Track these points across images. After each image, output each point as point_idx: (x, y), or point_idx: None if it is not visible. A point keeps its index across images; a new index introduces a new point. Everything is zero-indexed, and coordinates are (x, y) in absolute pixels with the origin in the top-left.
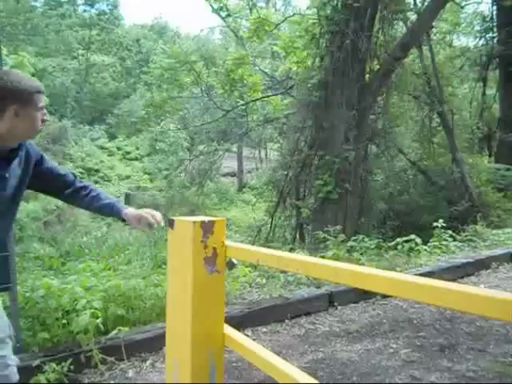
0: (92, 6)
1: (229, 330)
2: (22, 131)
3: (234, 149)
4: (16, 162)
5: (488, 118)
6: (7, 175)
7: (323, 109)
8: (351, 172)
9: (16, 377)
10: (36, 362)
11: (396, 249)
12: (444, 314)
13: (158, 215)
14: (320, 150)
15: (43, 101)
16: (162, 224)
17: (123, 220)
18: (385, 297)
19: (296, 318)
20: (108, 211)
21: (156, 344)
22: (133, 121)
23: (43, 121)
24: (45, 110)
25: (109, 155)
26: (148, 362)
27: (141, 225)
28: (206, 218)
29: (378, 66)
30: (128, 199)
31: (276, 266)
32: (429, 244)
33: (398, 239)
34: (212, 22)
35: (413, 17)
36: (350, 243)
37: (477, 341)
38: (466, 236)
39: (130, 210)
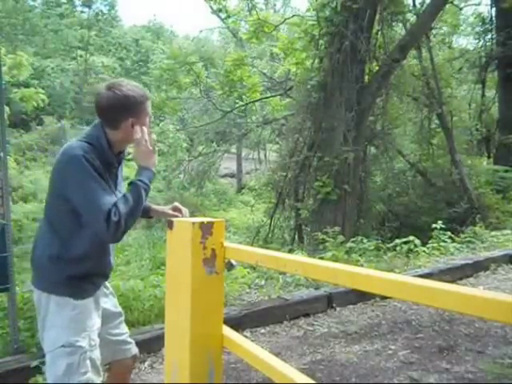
0: (89, 6)
1: (227, 331)
2: (132, 138)
3: (233, 150)
4: (122, 163)
5: (487, 119)
6: (119, 175)
7: (322, 110)
8: (350, 173)
9: None
10: (35, 363)
11: (395, 250)
12: (443, 316)
13: (185, 211)
14: (319, 151)
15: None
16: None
17: (150, 217)
18: (384, 298)
19: (295, 319)
20: None
21: (155, 345)
22: None
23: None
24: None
25: None
26: (147, 363)
27: None
28: (205, 219)
29: (377, 68)
30: None
31: (275, 267)
32: (428, 245)
33: (397, 240)
34: (211, 23)
35: (412, 18)
36: (349, 244)
37: (475, 342)
38: (465, 237)
39: (155, 208)
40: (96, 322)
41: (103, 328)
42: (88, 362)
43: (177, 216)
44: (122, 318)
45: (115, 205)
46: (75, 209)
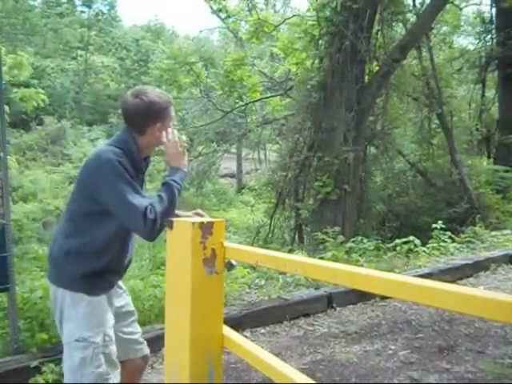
0: (89, 6)
1: (227, 331)
2: (158, 141)
3: (233, 150)
4: (147, 169)
5: (487, 119)
6: (145, 180)
7: (322, 110)
8: (350, 173)
9: None
10: (34, 363)
11: (395, 250)
12: (443, 316)
13: (204, 216)
14: (319, 151)
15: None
16: None
17: None
18: (384, 298)
19: (295, 319)
20: None
21: (155, 345)
22: None
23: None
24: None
25: None
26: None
27: None
28: (205, 219)
29: (377, 68)
30: None
31: (275, 267)
32: (428, 245)
33: (397, 240)
34: (211, 23)
35: (412, 18)
36: (349, 244)
37: (475, 342)
38: (465, 237)
39: (177, 213)
40: (110, 318)
41: (116, 326)
42: (101, 356)
43: None
44: (135, 318)
45: (151, 204)
46: (105, 210)
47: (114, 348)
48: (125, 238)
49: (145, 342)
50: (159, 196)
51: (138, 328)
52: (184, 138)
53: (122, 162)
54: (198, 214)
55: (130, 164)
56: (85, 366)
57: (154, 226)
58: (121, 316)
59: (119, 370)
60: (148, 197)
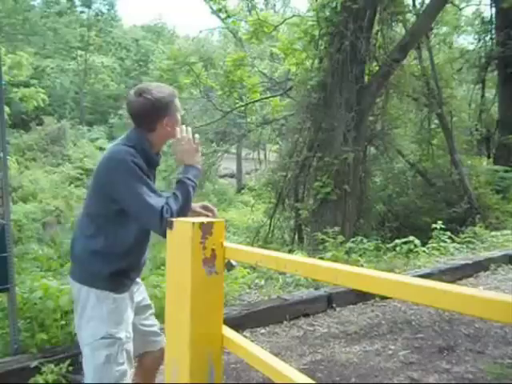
0: (89, 6)
1: (227, 331)
2: (169, 135)
3: (233, 150)
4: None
5: (487, 119)
6: (155, 175)
7: (322, 110)
8: (350, 173)
9: None
10: (34, 363)
11: (395, 250)
12: (443, 316)
13: (216, 211)
14: (319, 151)
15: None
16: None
17: None
18: (384, 298)
19: (295, 319)
20: None
21: None
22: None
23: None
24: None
25: None
26: None
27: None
28: (205, 219)
29: (377, 68)
30: None
31: (275, 267)
32: (427, 245)
33: (397, 241)
34: (211, 23)
35: (412, 18)
36: (349, 244)
37: (475, 342)
38: (465, 238)
39: None
40: (131, 315)
41: (136, 318)
42: (124, 353)
43: (208, 216)
44: (152, 311)
45: (167, 203)
46: (123, 209)
47: (131, 346)
48: (145, 237)
49: (163, 334)
50: (174, 194)
51: (155, 321)
52: (197, 135)
53: (137, 162)
54: (207, 208)
55: (145, 162)
56: (110, 363)
57: None
58: (140, 310)
59: (133, 370)
60: (162, 194)
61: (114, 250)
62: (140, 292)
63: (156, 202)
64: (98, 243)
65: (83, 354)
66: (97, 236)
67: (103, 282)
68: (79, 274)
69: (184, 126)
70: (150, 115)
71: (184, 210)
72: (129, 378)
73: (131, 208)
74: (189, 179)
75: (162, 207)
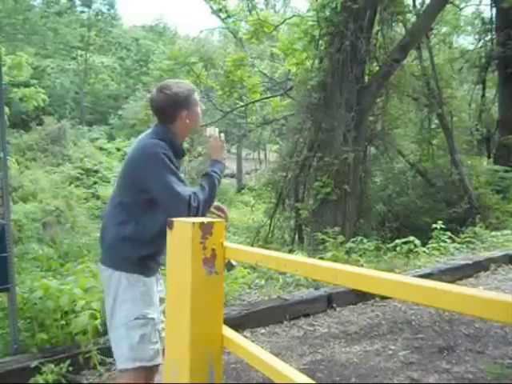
0: (89, 6)
1: (227, 331)
2: (190, 128)
3: (234, 150)
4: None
5: (487, 119)
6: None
7: (322, 110)
8: (350, 173)
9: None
10: (34, 363)
11: (395, 250)
12: (443, 316)
13: (228, 211)
14: (319, 151)
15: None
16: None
17: None
18: (384, 298)
19: (295, 319)
20: None
21: None
22: (133, 122)
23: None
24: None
25: (108, 156)
26: None
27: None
28: (205, 219)
29: (377, 68)
30: None
31: (275, 267)
32: (428, 246)
33: (397, 241)
34: (211, 23)
35: (412, 18)
36: (349, 245)
37: (475, 342)
38: (465, 238)
39: None
40: (158, 298)
41: None
42: (157, 333)
43: (220, 216)
44: (164, 306)
45: (194, 192)
46: (153, 198)
47: (162, 326)
48: None
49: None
50: (201, 185)
51: (163, 318)
52: (223, 134)
53: (168, 154)
54: (218, 208)
55: (173, 153)
56: (144, 342)
57: (197, 214)
58: (159, 301)
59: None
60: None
61: (143, 236)
62: (160, 283)
63: (184, 191)
64: (128, 230)
65: (114, 336)
66: (127, 223)
67: (133, 265)
68: (110, 259)
69: (212, 127)
70: (171, 109)
71: (210, 201)
72: (161, 358)
73: (161, 197)
74: (215, 172)
75: (190, 196)
